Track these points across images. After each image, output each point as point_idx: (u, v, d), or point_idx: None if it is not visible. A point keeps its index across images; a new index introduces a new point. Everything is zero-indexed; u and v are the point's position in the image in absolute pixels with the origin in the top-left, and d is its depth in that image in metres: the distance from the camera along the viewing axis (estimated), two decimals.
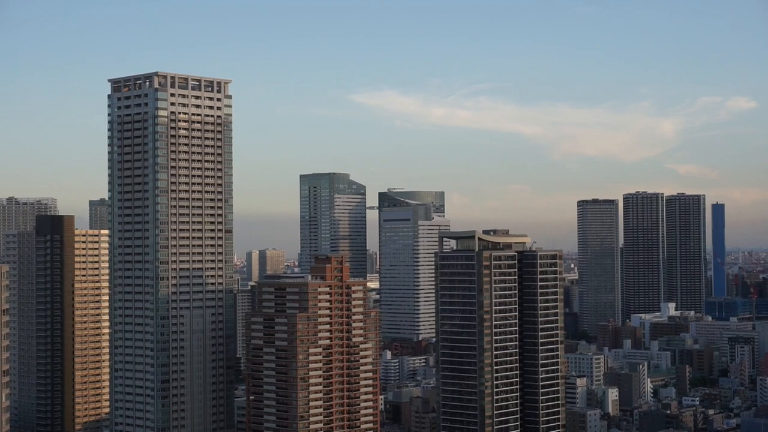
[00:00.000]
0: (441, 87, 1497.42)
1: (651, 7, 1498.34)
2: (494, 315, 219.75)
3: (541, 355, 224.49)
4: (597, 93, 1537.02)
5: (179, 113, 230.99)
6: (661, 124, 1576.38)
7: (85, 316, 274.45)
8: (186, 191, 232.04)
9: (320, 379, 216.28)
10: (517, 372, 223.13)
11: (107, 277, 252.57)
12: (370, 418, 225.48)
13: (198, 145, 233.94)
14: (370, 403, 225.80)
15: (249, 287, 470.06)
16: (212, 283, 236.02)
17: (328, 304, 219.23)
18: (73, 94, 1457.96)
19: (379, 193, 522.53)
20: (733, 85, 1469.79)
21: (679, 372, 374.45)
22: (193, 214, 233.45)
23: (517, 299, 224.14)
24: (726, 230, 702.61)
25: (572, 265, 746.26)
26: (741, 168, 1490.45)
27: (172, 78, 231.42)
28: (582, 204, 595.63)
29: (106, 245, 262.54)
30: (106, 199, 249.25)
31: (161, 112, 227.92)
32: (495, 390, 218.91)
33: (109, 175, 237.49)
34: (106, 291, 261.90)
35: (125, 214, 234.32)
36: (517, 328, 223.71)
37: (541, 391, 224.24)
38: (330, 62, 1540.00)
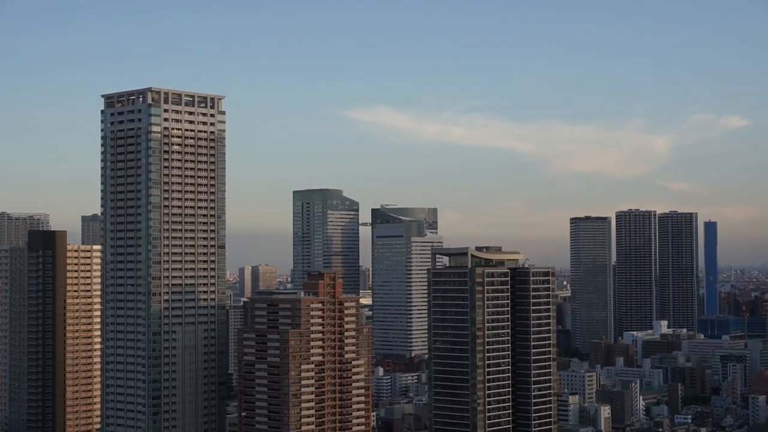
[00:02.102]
0: (434, 104, 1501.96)
1: (644, 25, 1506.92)
2: (487, 332, 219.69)
3: (533, 372, 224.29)
4: (590, 110, 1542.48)
5: (172, 129, 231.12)
6: (653, 142, 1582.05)
7: (76, 331, 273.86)
8: (179, 207, 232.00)
9: (312, 396, 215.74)
10: (510, 389, 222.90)
11: (99, 293, 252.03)
12: None
13: (191, 161, 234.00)
14: (362, 420, 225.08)
15: (241, 303, 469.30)
16: (205, 299, 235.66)
17: (320, 321, 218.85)
18: (65, 110, 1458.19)
19: (372, 210, 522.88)
20: (726, 103, 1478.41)
21: (671, 390, 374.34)
22: (186, 230, 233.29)
23: (509, 316, 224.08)
24: (718, 248, 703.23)
25: (565, 283, 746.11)
26: (733, 186, 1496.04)
27: (166, 94, 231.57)
28: (575, 221, 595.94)
29: (99, 261, 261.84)
30: (99, 214, 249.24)
31: (154, 128, 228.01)
32: (487, 407, 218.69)
33: (101, 190, 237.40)
34: (98, 306, 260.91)
35: (118, 230, 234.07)
36: (509, 345, 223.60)
37: (533, 408, 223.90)
38: (324, 79, 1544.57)
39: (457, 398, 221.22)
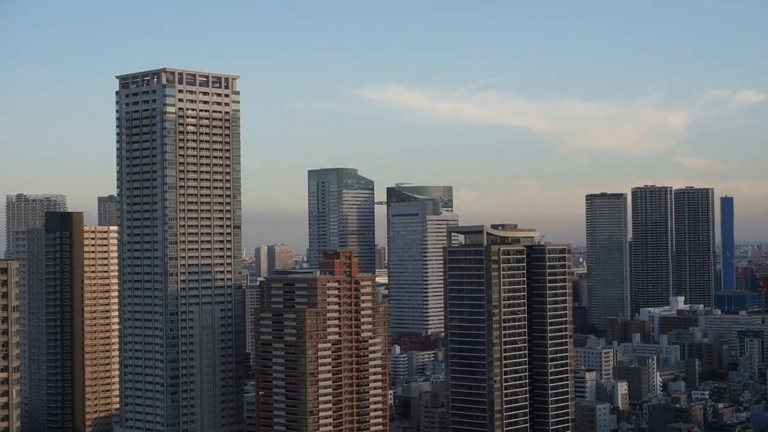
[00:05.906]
0: (448, 82, 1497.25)
1: (659, 0, 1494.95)
2: (503, 309, 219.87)
3: (550, 349, 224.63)
4: (605, 86, 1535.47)
5: (187, 109, 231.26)
6: (669, 118, 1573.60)
7: (94, 312, 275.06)
8: (194, 187, 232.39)
9: (329, 374, 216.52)
10: (526, 366, 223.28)
11: (116, 274, 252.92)
12: (380, 413, 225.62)
13: (206, 141, 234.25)
14: (380, 398, 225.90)
15: (258, 283, 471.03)
16: (221, 279, 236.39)
17: (336, 300, 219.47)
18: (81, 91, 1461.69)
19: (387, 188, 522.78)
20: (742, 77, 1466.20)
21: (689, 366, 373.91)
22: (202, 210, 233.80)
23: (525, 293, 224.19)
24: (735, 224, 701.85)
25: (581, 259, 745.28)
26: (750, 161, 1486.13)
27: (180, 74, 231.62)
28: (590, 198, 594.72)
29: (115, 242, 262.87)
30: (115, 195, 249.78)
31: (169, 109, 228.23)
32: (504, 384, 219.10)
33: (117, 171, 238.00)
34: (116, 287, 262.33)
35: (134, 211, 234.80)
36: (525, 322, 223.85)
37: (550, 385, 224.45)
38: (337, 57, 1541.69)
39: (473, 376, 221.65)
